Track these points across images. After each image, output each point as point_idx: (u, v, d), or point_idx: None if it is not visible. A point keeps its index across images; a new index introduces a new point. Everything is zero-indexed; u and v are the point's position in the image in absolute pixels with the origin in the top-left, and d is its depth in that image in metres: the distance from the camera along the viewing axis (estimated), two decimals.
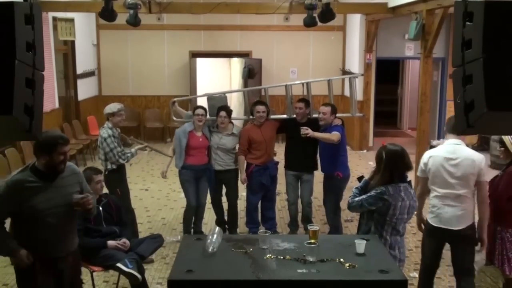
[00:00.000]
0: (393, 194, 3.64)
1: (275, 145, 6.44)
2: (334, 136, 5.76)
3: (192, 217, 6.23)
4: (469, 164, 4.14)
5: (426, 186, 4.37)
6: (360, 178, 4.09)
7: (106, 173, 5.60)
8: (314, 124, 5.99)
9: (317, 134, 5.79)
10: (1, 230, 3.44)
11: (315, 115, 6.24)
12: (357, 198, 3.79)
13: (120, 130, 5.92)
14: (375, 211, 3.71)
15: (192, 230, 6.25)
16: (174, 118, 6.78)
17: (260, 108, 6.10)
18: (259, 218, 6.44)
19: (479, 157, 4.23)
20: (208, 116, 6.16)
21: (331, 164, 6.02)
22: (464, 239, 4.27)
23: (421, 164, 4.34)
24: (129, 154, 5.75)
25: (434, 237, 4.38)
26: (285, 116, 6.60)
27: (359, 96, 11.43)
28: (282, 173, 6.42)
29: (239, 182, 6.32)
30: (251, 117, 6.38)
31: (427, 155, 4.35)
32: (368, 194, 3.72)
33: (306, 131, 5.73)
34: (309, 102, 6.27)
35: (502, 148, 4.63)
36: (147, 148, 6.14)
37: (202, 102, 6.88)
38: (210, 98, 6.56)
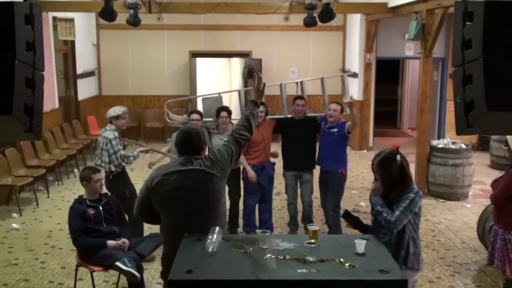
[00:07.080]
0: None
1: (274, 145, 6.41)
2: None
3: None
4: None
5: None
6: (345, 215, 3.72)
7: (111, 177, 5.58)
8: (312, 122, 5.98)
9: (354, 110, 5.78)
10: None
11: (316, 114, 6.25)
12: (397, 212, 3.47)
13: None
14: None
15: None
16: (168, 120, 6.75)
17: (260, 108, 6.07)
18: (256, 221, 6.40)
19: None
20: (203, 118, 6.11)
21: (335, 161, 6.01)
22: None
23: None
24: (131, 158, 5.69)
25: None
26: (279, 116, 6.57)
27: (359, 96, 11.50)
28: (282, 173, 6.41)
29: (241, 181, 6.30)
30: None
31: None
32: (408, 201, 3.47)
33: (351, 99, 5.72)
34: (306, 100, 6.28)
35: (506, 147, 4.66)
36: (150, 150, 5.96)
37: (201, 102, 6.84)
38: (205, 99, 6.51)
